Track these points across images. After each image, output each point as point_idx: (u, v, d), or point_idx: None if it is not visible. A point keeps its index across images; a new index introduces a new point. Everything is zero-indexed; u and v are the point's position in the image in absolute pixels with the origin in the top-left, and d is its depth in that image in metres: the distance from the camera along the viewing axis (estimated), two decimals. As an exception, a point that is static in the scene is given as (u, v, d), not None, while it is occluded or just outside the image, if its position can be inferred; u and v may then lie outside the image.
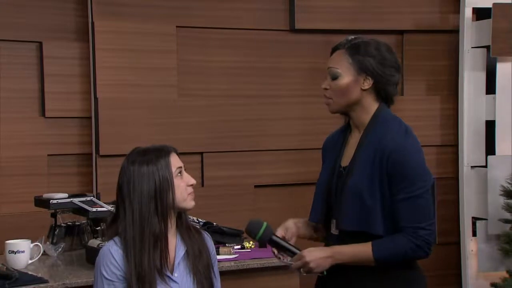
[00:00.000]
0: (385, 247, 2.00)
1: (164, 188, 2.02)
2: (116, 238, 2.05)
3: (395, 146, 2.01)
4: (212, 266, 2.12)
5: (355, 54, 2.08)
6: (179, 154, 2.12)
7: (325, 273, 2.03)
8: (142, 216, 2.00)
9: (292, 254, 2.04)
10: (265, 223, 2.09)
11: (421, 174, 2.01)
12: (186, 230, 2.10)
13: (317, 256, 2.01)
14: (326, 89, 2.12)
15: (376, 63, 2.07)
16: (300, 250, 2.04)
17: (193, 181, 2.09)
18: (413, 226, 1.98)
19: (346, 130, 2.19)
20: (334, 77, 2.10)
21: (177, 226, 2.10)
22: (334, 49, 2.15)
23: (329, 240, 2.14)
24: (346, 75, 2.08)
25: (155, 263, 2.00)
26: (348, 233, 2.07)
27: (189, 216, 2.23)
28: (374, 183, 2.01)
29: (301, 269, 2.02)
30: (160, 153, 2.06)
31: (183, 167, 2.09)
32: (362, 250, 2.01)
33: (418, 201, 1.99)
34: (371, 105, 2.10)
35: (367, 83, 2.08)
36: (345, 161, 2.13)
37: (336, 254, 2.02)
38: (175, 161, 2.07)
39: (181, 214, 2.10)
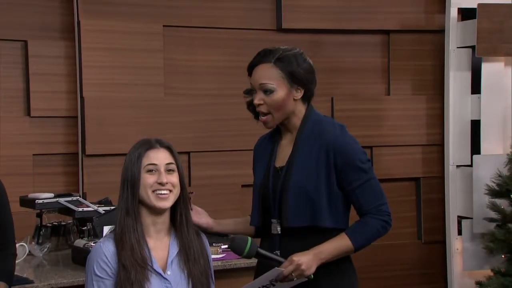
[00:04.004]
0: (360, 233, 2.10)
1: (129, 180, 2.00)
2: (111, 234, 2.04)
3: (339, 142, 2.10)
4: (210, 272, 2.10)
5: (286, 68, 2.10)
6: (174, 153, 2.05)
7: (312, 276, 2.05)
8: (119, 205, 2.01)
9: (278, 263, 2.06)
10: (249, 238, 2.09)
11: (365, 160, 2.13)
12: (182, 230, 2.06)
13: (306, 258, 2.04)
14: (260, 104, 2.13)
15: (305, 73, 2.12)
16: (285, 259, 2.06)
17: (162, 180, 2.00)
18: (375, 205, 2.12)
19: (275, 133, 2.23)
20: (269, 92, 2.11)
21: (173, 225, 2.07)
22: (256, 63, 2.13)
23: (270, 241, 2.15)
24: (281, 89, 2.11)
25: (140, 254, 1.97)
26: (292, 230, 2.10)
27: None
28: (319, 177, 2.09)
29: (293, 274, 2.03)
30: (143, 145, 2.04)
31: (162, 166, 2.01)
32: (341, 244, 2.09)
33: (371, 183, 2.12)
34: (302, 110, 2.17)
35: (299, 93, 2.13)
36: (280, 161, 2.18)
37: (320, 254, 2.06)
38: (153, 157, 2.01)
39: (175, 213, 2.06)
